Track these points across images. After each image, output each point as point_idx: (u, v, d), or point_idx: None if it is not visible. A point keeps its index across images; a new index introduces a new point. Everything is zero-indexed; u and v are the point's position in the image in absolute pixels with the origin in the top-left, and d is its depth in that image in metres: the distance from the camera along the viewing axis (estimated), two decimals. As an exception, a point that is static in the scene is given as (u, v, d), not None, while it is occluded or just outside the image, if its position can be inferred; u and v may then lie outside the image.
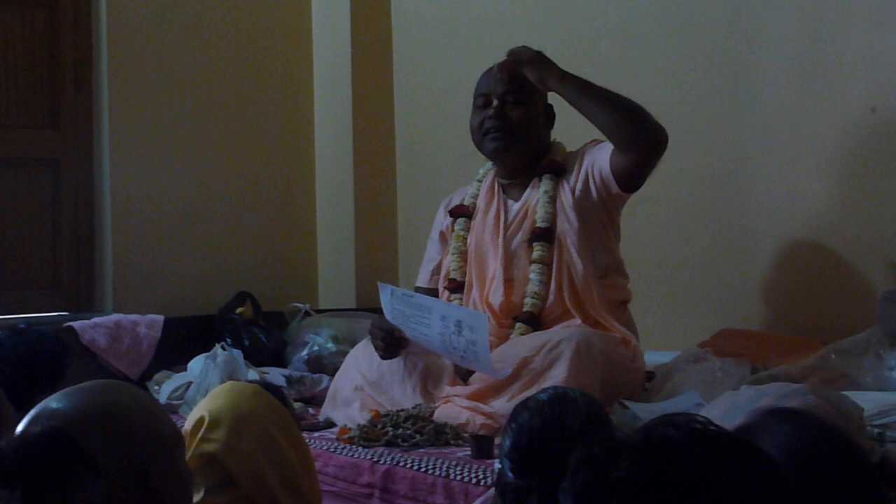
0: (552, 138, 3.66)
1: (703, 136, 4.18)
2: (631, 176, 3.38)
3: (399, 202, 5.46)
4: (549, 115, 3.64)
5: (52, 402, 1.76)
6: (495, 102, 3.51)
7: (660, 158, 3.33)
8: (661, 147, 3.31)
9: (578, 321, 3.39)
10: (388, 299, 3.43)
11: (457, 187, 3.86)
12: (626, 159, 3.34)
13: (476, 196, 3.69)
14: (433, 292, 3.74)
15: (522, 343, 3.29)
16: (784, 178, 3.97)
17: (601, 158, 3.43)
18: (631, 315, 3.59)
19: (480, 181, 3.72)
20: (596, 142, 3.52)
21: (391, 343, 3.42)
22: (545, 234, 3.47)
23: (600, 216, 3.50)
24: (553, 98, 3.60)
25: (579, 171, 3.49)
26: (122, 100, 4.96)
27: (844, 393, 2.75)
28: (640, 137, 3.29)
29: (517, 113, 3.52)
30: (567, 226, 3.45)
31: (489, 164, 3.73)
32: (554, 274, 3.45)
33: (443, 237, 3.81)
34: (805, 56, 3.90)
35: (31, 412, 1.76)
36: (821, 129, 3.86)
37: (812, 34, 3.88)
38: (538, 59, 3.43)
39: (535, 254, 3.46)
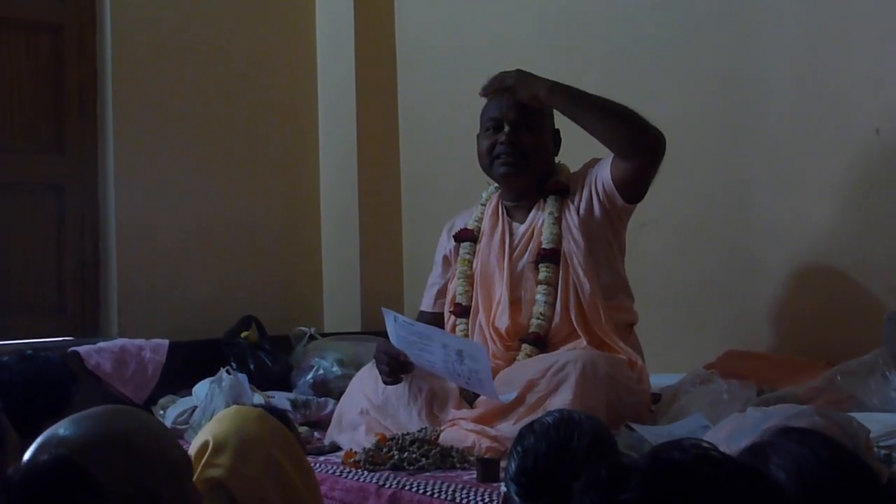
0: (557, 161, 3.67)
1: (707, 159, 4.19)
2: (634, 184, 3.39)
3: (404, 226, 5.46)
4: (557, 140, 3.65)
5: (60, 428, 1.76)
6: (507, 128, 3.51)
7: (660, 162, 3.33)
8: (661, 149, 3.31)
9: (584, 342, 3.40)
10: (393, 325, 3.43)
11: (461, 211, 3.86)
12: (628, 166, 3.35)
13: (480, 219, 3.70)
14: (438, 316, 3.74)
15: (528, 366, 3.29)
16: (789, 199, 3.97)
17: (603, 172, 3.44)
18: (637, 338, 3.59)
19: (484, 204, 3.73)
20: (596, 160, 3.53)
21: (396, 368, 3.42)
22: (551, 255, 3.47)
23: (606, 234, 3.50)
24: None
25: (582, 190, 3.50)
26: (126, 125, 4.97)
27: (851, 414, 2.74)
28: (638, 141, 3.31)
29: (529, 139, 3.53)
30: (573, 246, 3.46)
31: (492, 187, 3.73)
32: (560, 294, 3.45)
33: (446, 261, 3.81)
34: (810, 79, 3.91)
35: (39, 439, 1.75)
36: (825, 151, 3.86)
37: (816, 57, 3.89)
38: (522, 77, 3.44)
39: (542, 275, 3.47)
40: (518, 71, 3.46)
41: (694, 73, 4.25)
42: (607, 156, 3.45)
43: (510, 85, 3.45)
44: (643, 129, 3.29)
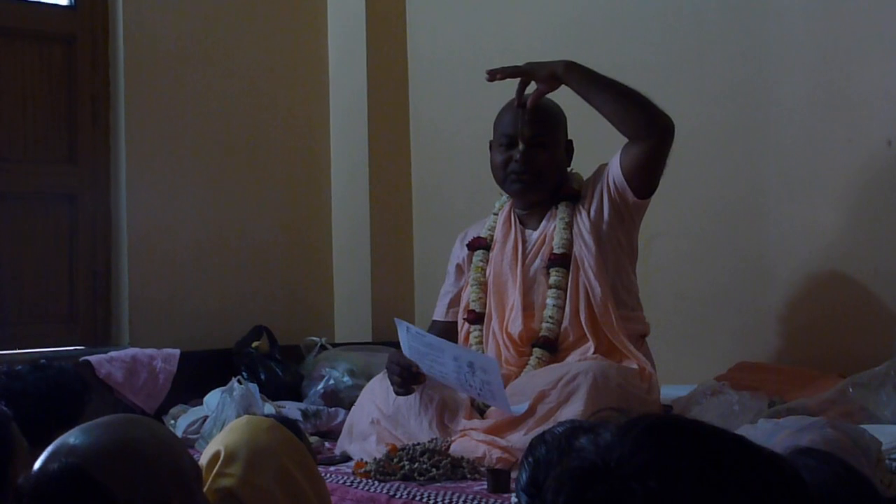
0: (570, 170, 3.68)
1: (719, 169, 4.18)
2: (644, 172, 3.40)
3: (415, 236, 5.46)
4: (570, 150, 3.65)
5: (70, 437, 1.76)
6: (522, 146, 3.52)
7: (668, 147, 3.36)
8: (670, 133, 3.35)
9: (592, 347, 3.39)
10: (406, 335, 3.44)
11: (472, 222, 3.86)
12: (638, 150, 3.37)
13: (493, 228, 3.70)
14: (451, 325, 3.74)
15: (539, 376, 3.29)
16: (801, 210, 3.97)
17: (613, 167, 3.46)
18: (649, 348, 3.58)
19: (496, 214, 3.73)
20: (606, 165, 3.53)
21: (408, 378, 3.42)
22: (562, 260, 3.48)
23: (617, 235, 3.50)
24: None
25: (593, 192, 3.51)
26: (139, 135, 4.98)
27: (863, 426, 2.74)
28: (649, 123, 3.35)
29: (543, 157, 3.53)
30: (584, 250, 3.46)
31: (504, 196, 3.74)
32: (570, 298, 3.46)
33: (459, 270, 3.81)
34: (821, 89, 3.91)
35: (49, 448, 1.75)
36: (837, 161, 3.86)
37: (828, 67, 3.89)
38: (535, 62, 3.49)
39: (552, 279, 3.48)
40: (528, 62, 3.49)
41: (705, 84, 4.25)
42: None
43: (526, 71, 3.47)
44: (654, 113, 3.35)
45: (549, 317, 3.45)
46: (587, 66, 3.44)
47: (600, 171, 3.55)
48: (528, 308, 3.51)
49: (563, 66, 3.43)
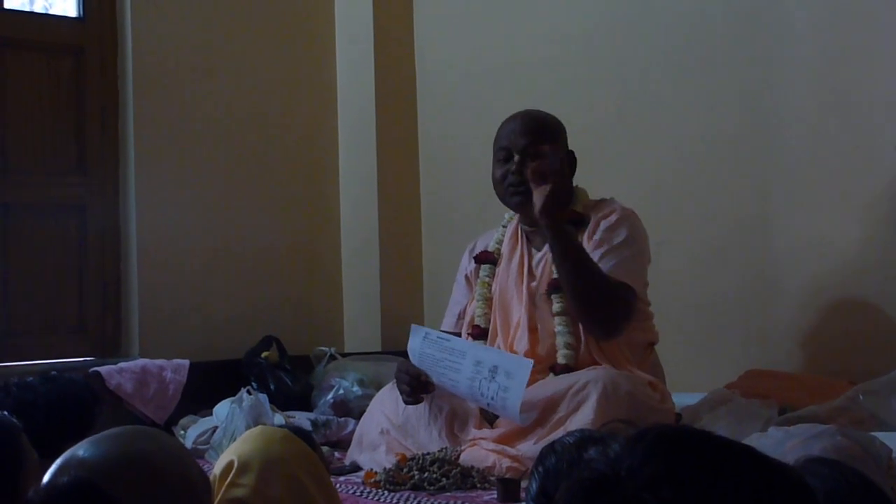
0: (574, 184, 3.64)
1: (727, 176, 4.19)
2: None
3: (424, 246, 5.46)
4: (571, 163, 3.60)
5: (79, 450, 1.76)
6: (516, 157, 3.51)
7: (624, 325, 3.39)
8: (613, 336, 3.39)
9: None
10: (419, 343, 3.43)
11: (481, 232, 3.85)
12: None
13: (501, 242, 3.69)
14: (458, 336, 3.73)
15: (549, 385, 3.28)
16: (809, 218, 3.97)
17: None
18: (658, 357, 3.58)
19: (505, 227, 3.72)
20: (613, 221, 3.47)
21: (417, 388, 3.42)
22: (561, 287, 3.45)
23: None
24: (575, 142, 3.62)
25: (592, 237, 3.47)
26: (148, 145, 4.99)
27: (873, 434, 2.73)
28: (593, 327, 3.39)
29: None
30: None
31: (513, 209, 3.73)
32: (574, 325, 3.43)
33: (467, 281, 3.80)
34: (828, 96, 3.91)
35: (58, 461, 1.75)
36: (845, 170, 3.86)
37: (836, 78, 3.90)
38: (550, 197, 3.39)
39: (556, 306, 3.44)
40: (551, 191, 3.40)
41: (713, 94, 4.26)
42: (619, 213, 3.47)
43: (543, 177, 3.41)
44: (600, 322, 3.38)
45: (567, 343, 3.40)
46: (565, 236, 3.40)
47: (602, 224, 3.48)
48: (533, 330, 3.49)
49: (543, 218, 3.38)
